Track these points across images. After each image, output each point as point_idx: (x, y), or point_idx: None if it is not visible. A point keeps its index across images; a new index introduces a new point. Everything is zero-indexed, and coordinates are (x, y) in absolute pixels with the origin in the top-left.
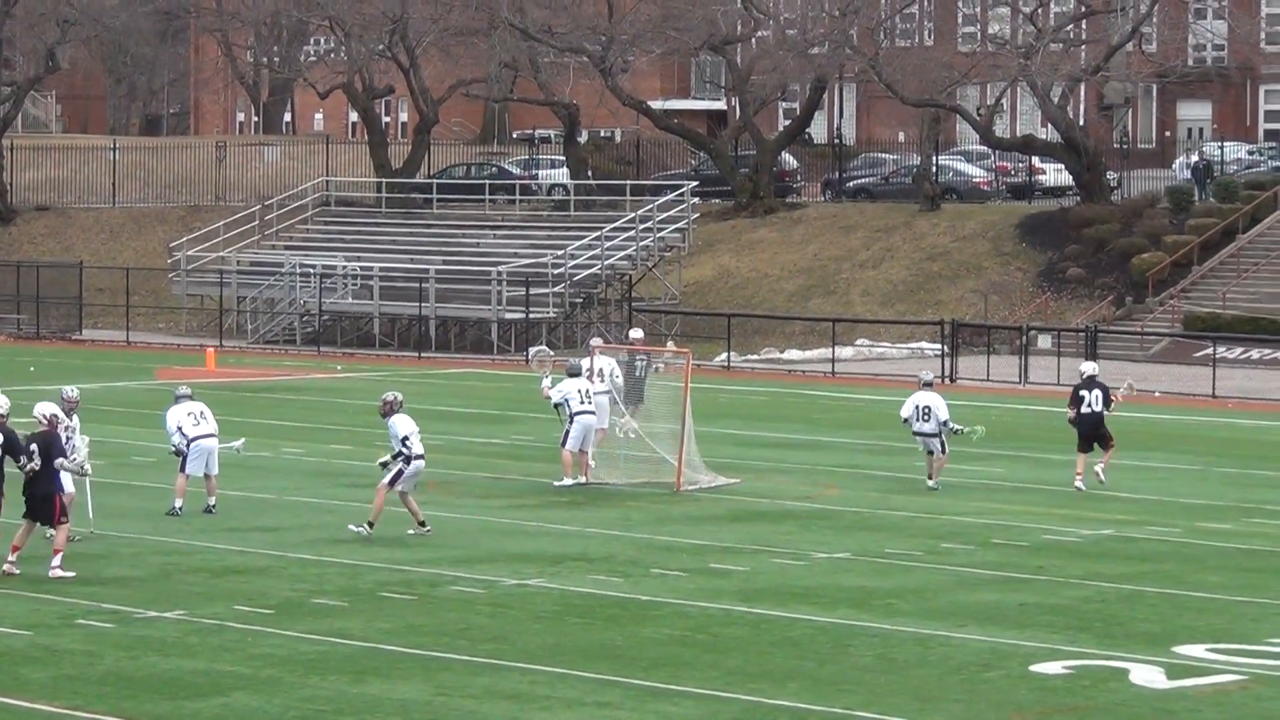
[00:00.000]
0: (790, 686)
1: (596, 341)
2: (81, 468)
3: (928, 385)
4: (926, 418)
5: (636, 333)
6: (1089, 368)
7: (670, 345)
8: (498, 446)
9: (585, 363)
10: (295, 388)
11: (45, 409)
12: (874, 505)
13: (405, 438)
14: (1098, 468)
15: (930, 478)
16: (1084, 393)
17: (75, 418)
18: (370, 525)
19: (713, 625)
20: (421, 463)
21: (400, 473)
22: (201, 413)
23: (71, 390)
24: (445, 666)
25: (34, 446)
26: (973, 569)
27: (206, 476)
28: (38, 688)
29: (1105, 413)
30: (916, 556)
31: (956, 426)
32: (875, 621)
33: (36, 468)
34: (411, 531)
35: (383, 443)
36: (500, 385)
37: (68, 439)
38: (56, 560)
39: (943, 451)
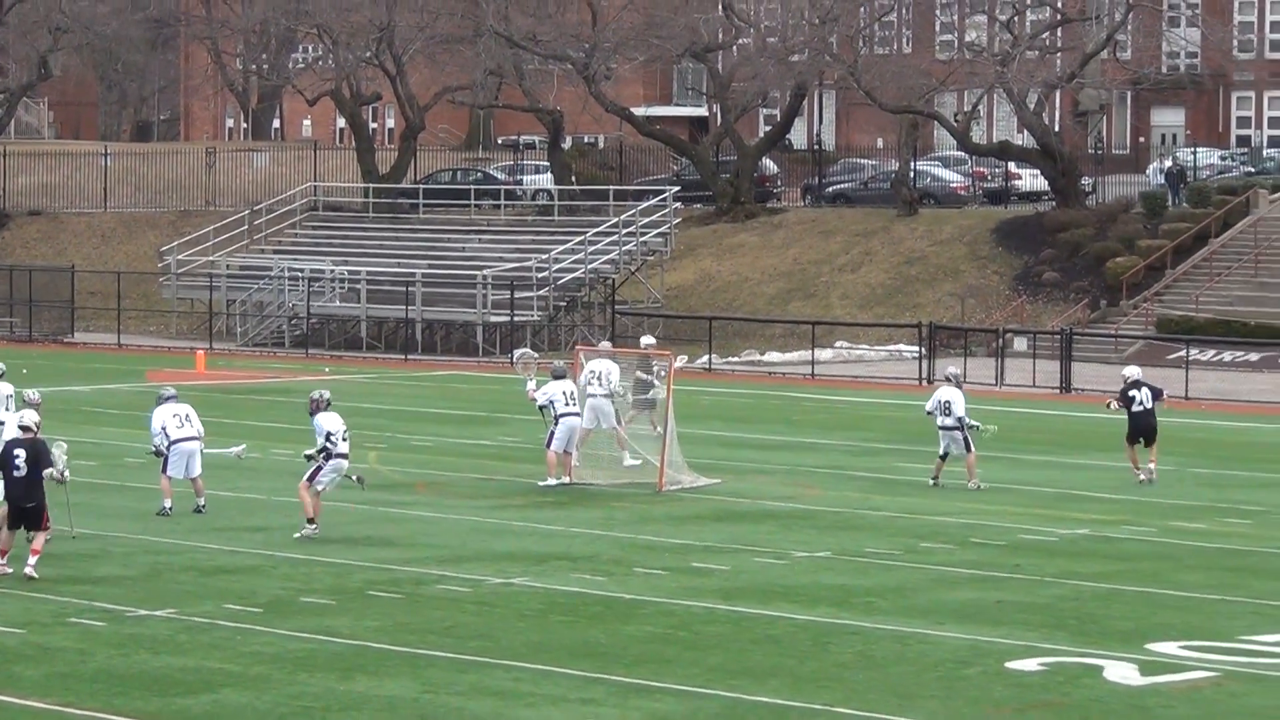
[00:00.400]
0: (771, 683)
1: (648, 340)
2: (63, 475)
3: (948, 380)
4: (947, 412)
5: (648, 339)
6: (1133, 371)
7: (645, 340)
8: (484, 448)
9: (596, 365)
10: (284, 390)
11: (30, 417)
12: (854, 505)
13: (329, 434)
14: (1149, 466)
15: (969, 479)
16: (1134, 393)
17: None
18: (311, 522)
19: (695, 623)
20: (344, 462)
21: (319, 469)
22: (187, 415)
23: (33, 394)
24: (432, 664)
25: (20, 453)
26: (951, 568)
27: (192, 479)
28: (31, 685)
29: (1156, 407)
30: (896, 556)
31: (973, 423)
32: (855, 619)
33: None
34: (300, 534)
35: (372, 444)
36: (486, 387)
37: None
38: (34, 560)
39: (967, 449)
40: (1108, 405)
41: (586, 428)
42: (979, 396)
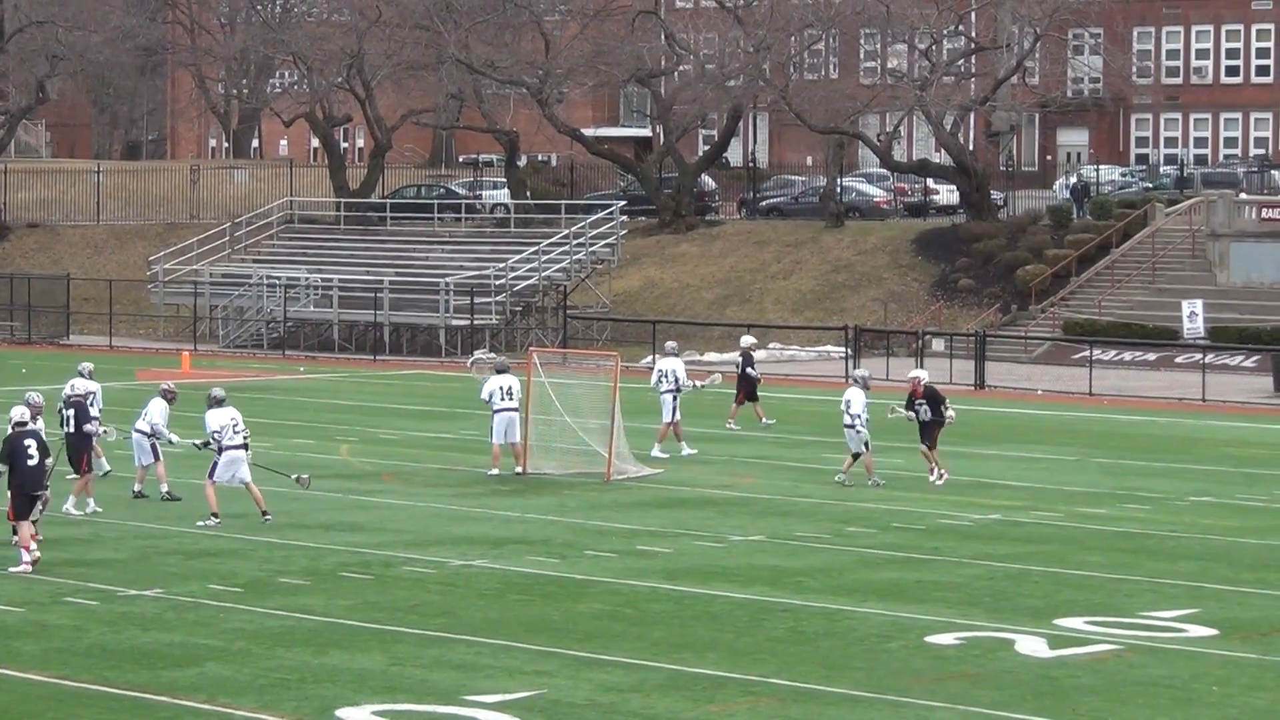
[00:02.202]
0: (710, 656)
1: (749, 340)
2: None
3: (855, 382)
4: (846, 410)
5: (749, 339)
6: (921, 375)
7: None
8: (445, 440)
9: (664, 364)
10: (262, 388)
11: (18, 413)
12: (786, 493)
13: (215, 431)
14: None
15: (869, 476)
16: (919, 404)
17: (40, 420)
18: (214, 516)
19: (640, 601)
20: (237, 453)
21: (215, 464)
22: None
23: (36, 396)
24: (399, 639)
25: (31, 442)
26: (875, 550)
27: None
28: (29, 659)
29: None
30: (824, 539)
31: (862, 427)
32: (787, 598)
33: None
34: (201, 523)
35: (343, 437)
36: (448, 385)
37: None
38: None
39: (865, 448)
40: (890, 412)
41: (666, 421)
42: (900, 393)
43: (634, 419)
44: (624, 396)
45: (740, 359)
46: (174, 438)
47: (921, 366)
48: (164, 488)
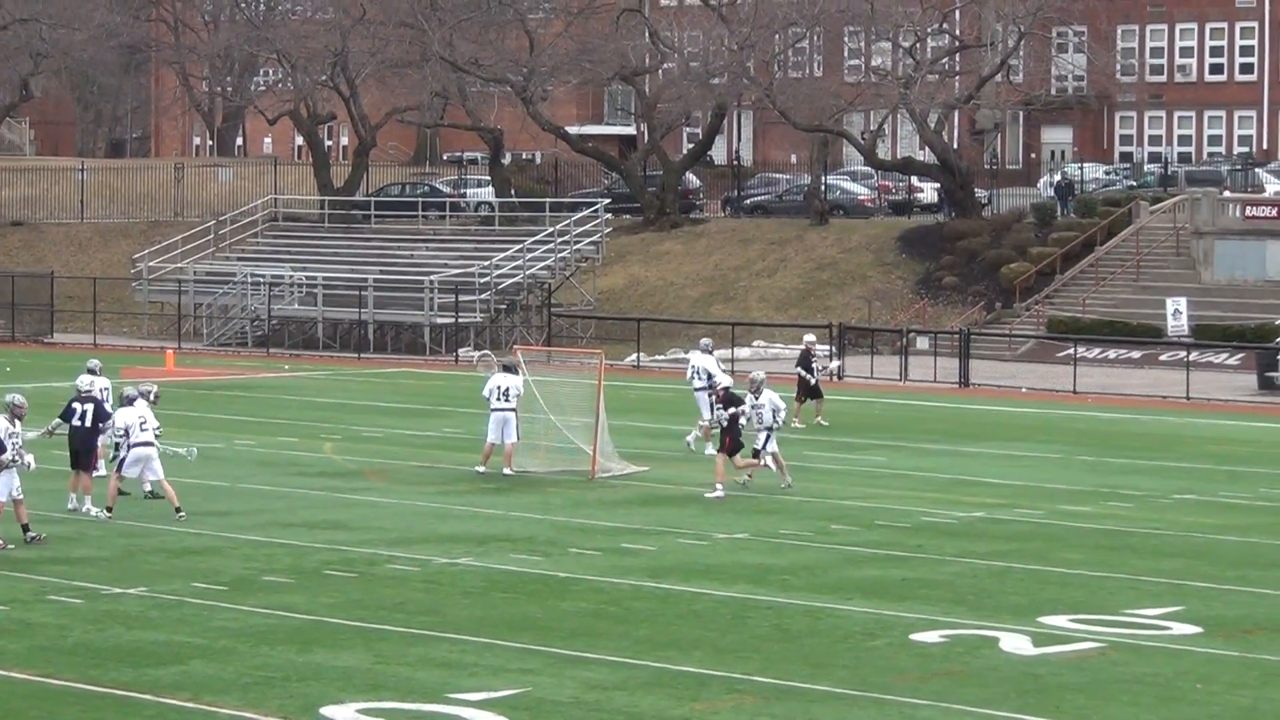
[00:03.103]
0: (695, 654)
1: (810, 338)
2: (28, 466)
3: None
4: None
5: (810, 337)
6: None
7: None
8: (429, 438)
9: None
10: (246, 386)
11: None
12: (769, 491)
13: (123, 429)
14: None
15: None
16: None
17: (19, 424)
18: (109, 510)
19: (625, 599)
20: (145, 449)
21: (123, 459)
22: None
23: (18, 398)
24: (383, 637)
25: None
26: (858, 548)
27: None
28: (13, 657)
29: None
30: (807, 537)
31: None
32: (771, 596)
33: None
34: (96, 513)
35: (327, 435)
36: (432, 383)
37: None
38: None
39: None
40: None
41: (706, 419)
42: (885, 391)
43: (617, 417)
44: (608, 394)
45: (802, 356)
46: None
47: (906, 364)
48: (146, 487)
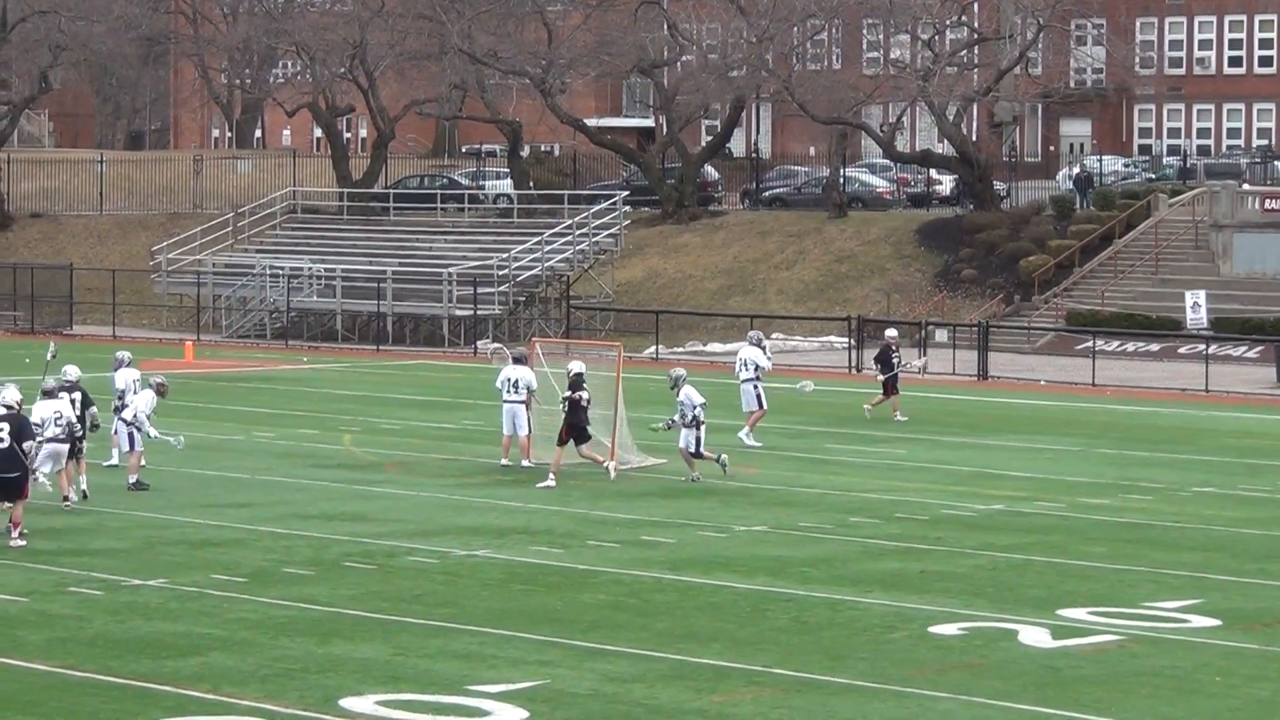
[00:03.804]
0: (714, 646)
1: (892, 333)
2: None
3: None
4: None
5: (891, 332)
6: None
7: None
8: (449, 430)
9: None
10: (265, 378)
11: (11, 396)
12: (788, 483)
13: (37, 422)
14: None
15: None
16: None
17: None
18: (65, 499)
19: (644, 591)
20: (56, 445)
21: (36, 454)
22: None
23: (14, 391)
24: (402, 629)
25: (4, 428)
26: (878, 540)
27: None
28: (33, 649)
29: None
30: (827, 529)
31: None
32: (790, 588)
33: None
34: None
35: (346, 427)
36: (451, 375)
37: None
38: (16, 532)
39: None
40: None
41: (752, 410)
42: (904, 383)
43: (636, 409)
44: (626, 387)
45: (882, 351)
46: (154, 432)
47: (925, 357)
48: (132, 478)
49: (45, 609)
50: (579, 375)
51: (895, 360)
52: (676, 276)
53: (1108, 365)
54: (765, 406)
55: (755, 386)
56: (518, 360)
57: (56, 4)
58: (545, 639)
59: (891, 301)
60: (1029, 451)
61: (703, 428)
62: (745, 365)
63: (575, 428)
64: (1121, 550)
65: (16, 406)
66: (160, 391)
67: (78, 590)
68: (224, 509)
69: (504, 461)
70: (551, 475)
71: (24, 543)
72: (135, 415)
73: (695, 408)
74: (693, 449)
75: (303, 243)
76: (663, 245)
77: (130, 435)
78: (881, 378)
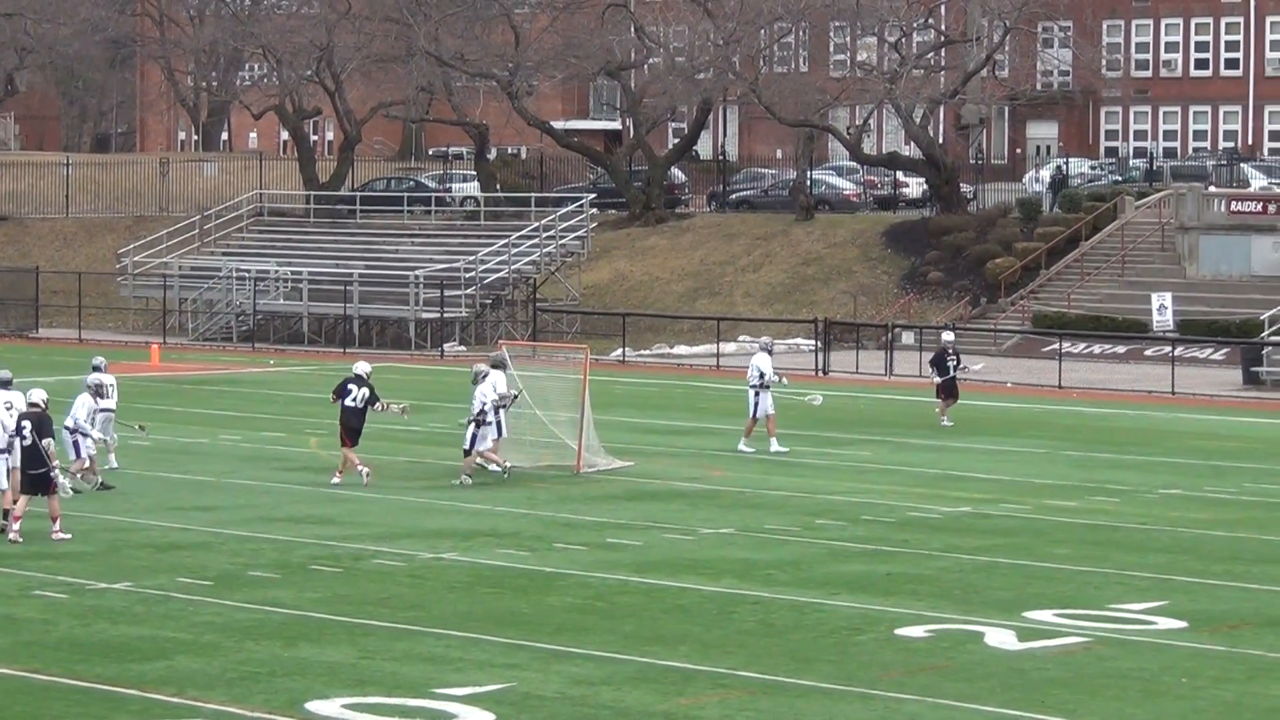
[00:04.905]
0: (680, 649)
1: (948, 336)
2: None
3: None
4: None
5: (948, 335)
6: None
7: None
8: (415, 434)
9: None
10: (232, 381)
11: (36, 395)
12: (755, 486)
13: None
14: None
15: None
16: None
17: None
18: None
19: (610, 594)
20: None
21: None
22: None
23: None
24: (368, 632)
25: (26, 425)
26: (844, 543)
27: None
28: None
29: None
30: (793, 532)
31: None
32: (756, 590)
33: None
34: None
35: (313, 430)
36: (417, 378)
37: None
38: (57, 525)
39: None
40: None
41: (760, 415)
42: (870, 386)
43: (603, 412)
44: (593, 389)
45: (938, 355)
46: (96, 434)
47: (891, 359)
48: (87, 486)
49: (10, 613)
50: (359, 376)
51: (952, 364)
52: (643, 279)
53: (1074, 367)
54: (760, 415)
55: (756, 394)
56: (496, 366)
57: (22, 6)
58: (512, 642)
59: (858, 304)
60: (995, 454)
61: (484, 428)
62: (753, 372)
63: (347, 428)
64: (1087, 552)
65: (41, 405)
66: (97, 394)
67: (43, 594)
68: (190, 512)
69: (494, 468)
70: (338, 474)
71: (68, 536)
72: (75, 422)
73: (484, 404)
74: (466, 445)
75: (269, 245)
76: (629, 248)
77: (75, 443)
78: (938, 380)
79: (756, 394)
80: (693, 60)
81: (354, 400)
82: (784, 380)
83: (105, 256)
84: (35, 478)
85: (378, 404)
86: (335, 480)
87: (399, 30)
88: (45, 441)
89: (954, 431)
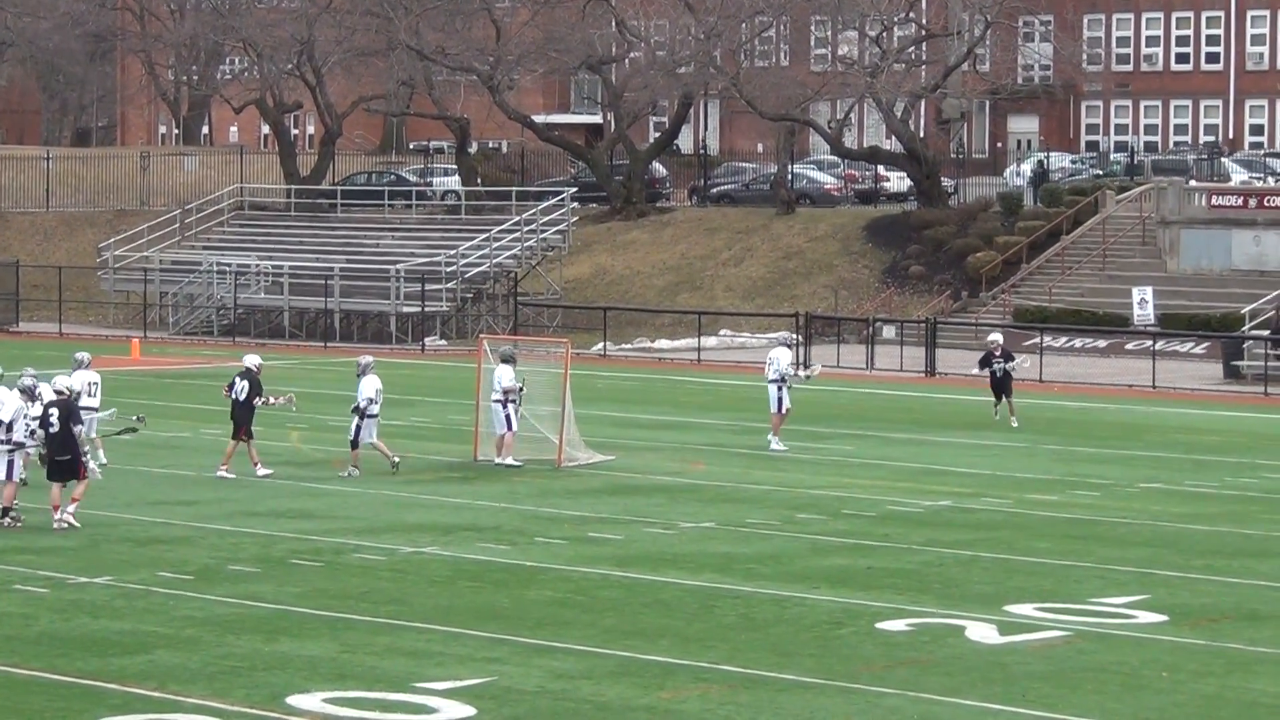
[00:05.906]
0: (661, 643)
1: (995, 337)
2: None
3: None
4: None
5: (995, 336)
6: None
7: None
8: (396, 428)
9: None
10: (212, 375)
11: (62, 382)
12: (736, 480)
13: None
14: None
15: None
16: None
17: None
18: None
19: (591, 588)
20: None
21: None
22: None
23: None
24: (349, 626)
25: (54, 412)
26: (825, 537)
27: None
28: None
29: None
30: (774, 526)
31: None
32: (737, 584)
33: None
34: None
35: (294, 424)
36: (399, 372)
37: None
38: (73, 508)
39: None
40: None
41: (774, 412)
42: (851, 380)
43: (584, 406)
44: (574, 383)
45: (985, 356)
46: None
47: (872, 353)
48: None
49: None
50: (246, 370)
51: (997, 363)
52: (624, 273)
53: (1055, 361)
54: (786, 410)
55: (779, 389)
56: (505, 360)
57: (2, 0)
58: (492, 636)
59: (839, 298)
60: (976, 448)
61: (368, 420)
62: (772, 365)
63: (233, 421)
64: (1068, 546)
65: (67, 392)
66: (26, 395)
67: (23, 588)
68: (171, 506)
69: (497, 460)
70: (224, 466)
71: (75, 525)
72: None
73: (363, 399)
74: (351, 437)
75: (250, 239)
76: (610, 242)
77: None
78: (987, 379)
79: (779, 389)
80: (674, 54)
81: (236, 393)
82: (801, 374)
83: (86, 250)
84: (62, 464)
85: (258, 399)
86: (221, 471)
87: (380, 24)
88: (77, 429)
89: (935, 426)
